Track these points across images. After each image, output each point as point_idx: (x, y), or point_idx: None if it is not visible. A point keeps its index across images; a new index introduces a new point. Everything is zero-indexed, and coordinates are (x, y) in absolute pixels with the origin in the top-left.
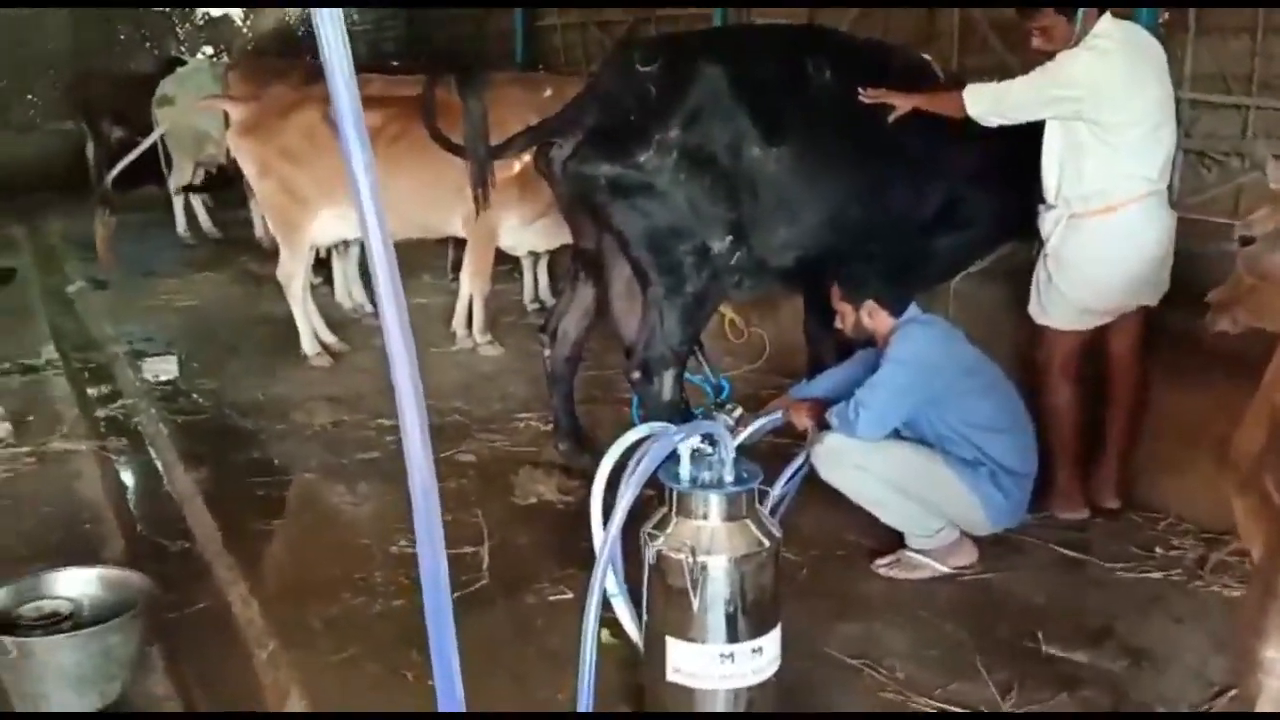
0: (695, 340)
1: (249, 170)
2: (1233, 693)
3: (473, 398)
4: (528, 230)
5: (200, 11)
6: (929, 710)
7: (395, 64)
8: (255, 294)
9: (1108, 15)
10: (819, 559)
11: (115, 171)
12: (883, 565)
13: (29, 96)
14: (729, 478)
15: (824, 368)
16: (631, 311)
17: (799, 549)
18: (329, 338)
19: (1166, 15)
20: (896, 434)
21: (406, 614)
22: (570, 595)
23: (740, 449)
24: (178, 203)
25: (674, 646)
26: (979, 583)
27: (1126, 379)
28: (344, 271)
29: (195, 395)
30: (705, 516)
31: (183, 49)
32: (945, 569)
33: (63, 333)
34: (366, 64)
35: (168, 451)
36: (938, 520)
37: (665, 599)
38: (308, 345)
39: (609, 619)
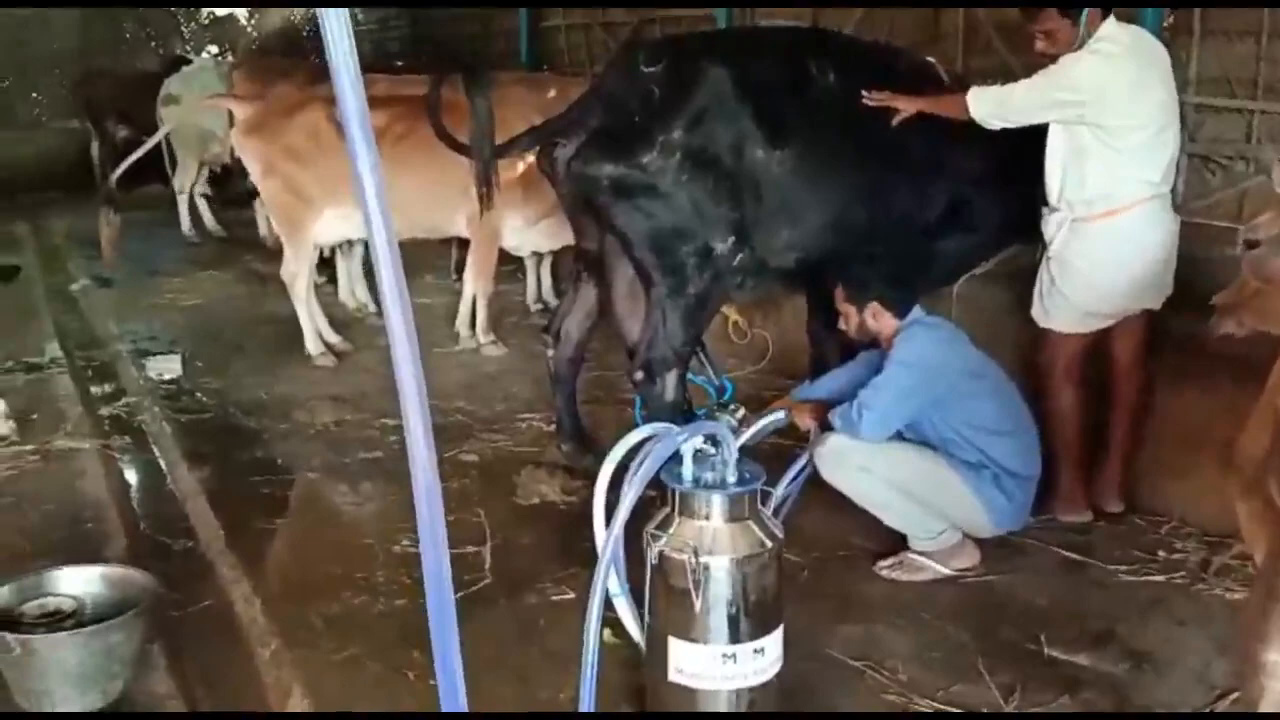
0: (698, 341)
1: (253, 169)
2: (1235, 696)
3: (476, 398)
4: (531, 230)
5: (205, 11)
6: (931, 712)
7: (399, 64)
8: (259, 293)
9: (1111, 18)
10: (821, 560)
11: (120, 170)
12: (885, 567)
13: (34, 95)
14: (731, 478)
15: (827, 369)
16: (634, 312)
17: (801, 550)
18: (333, 337)
19: (1171, 18)
20: (899, 436)
21: (409, 613)
22: (573, 595)
23: (743, 450)
24: (182, 201)
25: (676, 647)
26: (981, 585)
27: (1129, 382)
28: (348, 271)
29: (199, 394)
30: (708, 517)
31: (188, 48)
32: (947, 571)
33: (67, 331)
34: (371, 64)
35: (171, 450)
36: (940, 522)
37: (667, 599)
38: (311, 344)
39: (611, 619)
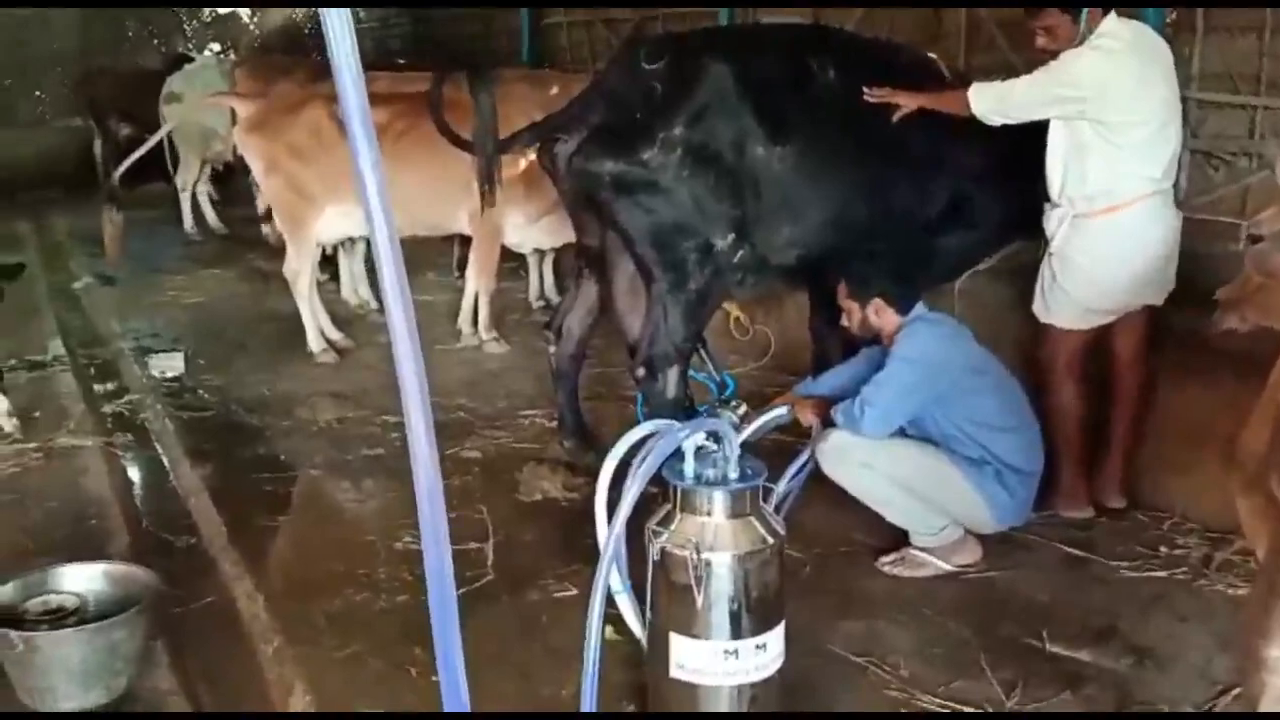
0: (698, 337)
1: (256, 167)
2: (1236, 691)
3: (478, 395)
4: (533, 227)
5: (208, 9)
6: (932, 708)
7: (401, 62)
8: (261, 291)
9: (1113, 14)
10: (823, 556)
11: (123, 168)
12: (887, 563)
13: (37, 93)
14: (733, 474)
15: (829, 365)
16: (635, 309)
17: (803, 546)
18: (335, 334)
19: (1174, 14)
20: (901, 432)
21: (411, 610)
22: (575, 592)
23: (744, 446)
24: (185, 199)
25: (678, 643)
26: (983, 581)
27: (1131, 378)
28: (350, 268)
29: (201, 391)
30: (709, 513)
31: (190, 46)
32: (949, 567)
33: (69, 329)
34: (373, 62)
35: (173, 447)
36: (942, 518)
37: (669, 595)
38: (314, 342)
39: (613, 615)
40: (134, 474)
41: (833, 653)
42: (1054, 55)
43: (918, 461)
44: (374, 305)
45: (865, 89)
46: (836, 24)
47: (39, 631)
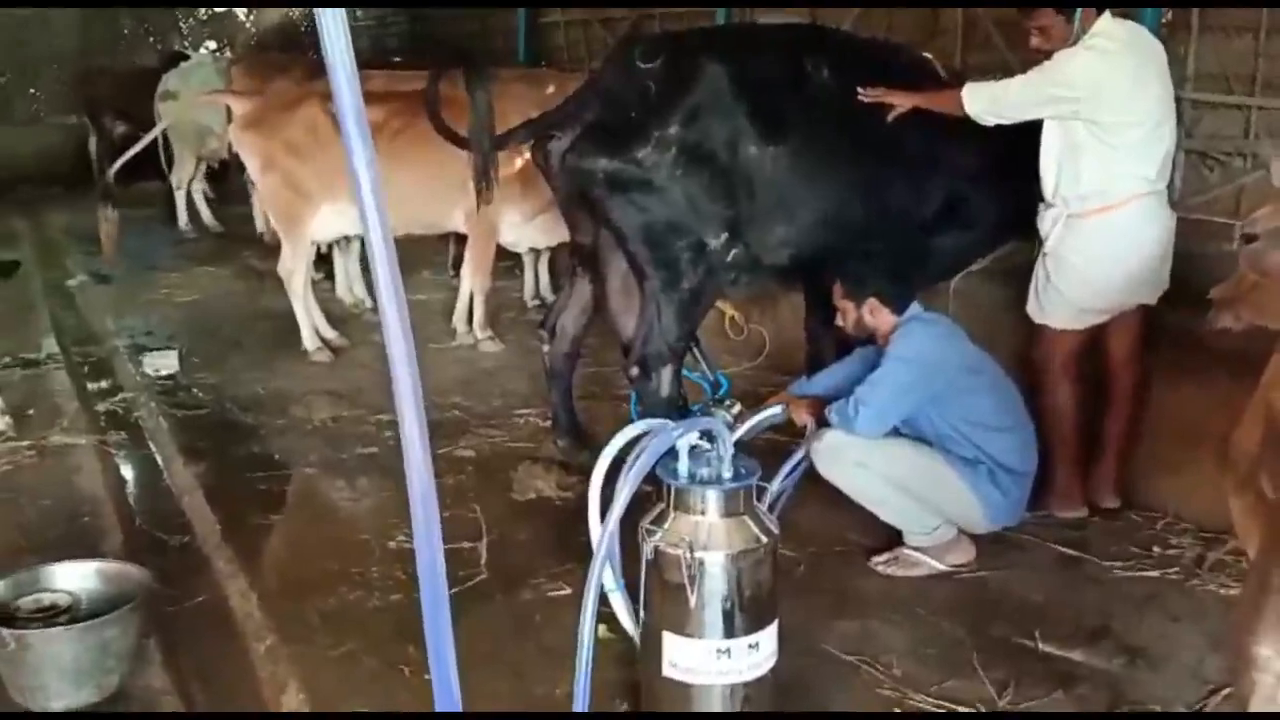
0: (692, 336)
1: (251, 165)
2: (1228, 691)
3: (473, 394)
4: (529, 226)
5: (204, 8)
6: (925, 707)
7: (398, 60)
8: (256, 289)
9: (1107, 14)
10: (817, 555)
11: (117, 165)
12: (880, 562)
13: (32, 91)
14: (727, 474)
15: (824, 365)
16: (628, 308)
17: (797, 545)
18: (330, 333)
19: (1169, 15)
20: (896, 432)
21: (404, 609)
22: (568, 590)
23: (739, 445)
24: (180, 197)
25: (671, 641)
26: (976, 580)
27: (1125, 378)
28: (345, 267)
29: (195, 390)
30: (703, 512)
31: (186, 44)
32: (943, 566)
33: (64, 327)
34: (370, 60)
35: (167, 446)
36: (936, 518)
37: (662, 594)
38: (308, 340)
39: (606, 614)
40: (128, 472)
41: (826, 652)
42: (1048, 55)
43: (912, 461)
44: (369, 304)
45: (860, 89)
46: (834, 23)
47: (31, 629)
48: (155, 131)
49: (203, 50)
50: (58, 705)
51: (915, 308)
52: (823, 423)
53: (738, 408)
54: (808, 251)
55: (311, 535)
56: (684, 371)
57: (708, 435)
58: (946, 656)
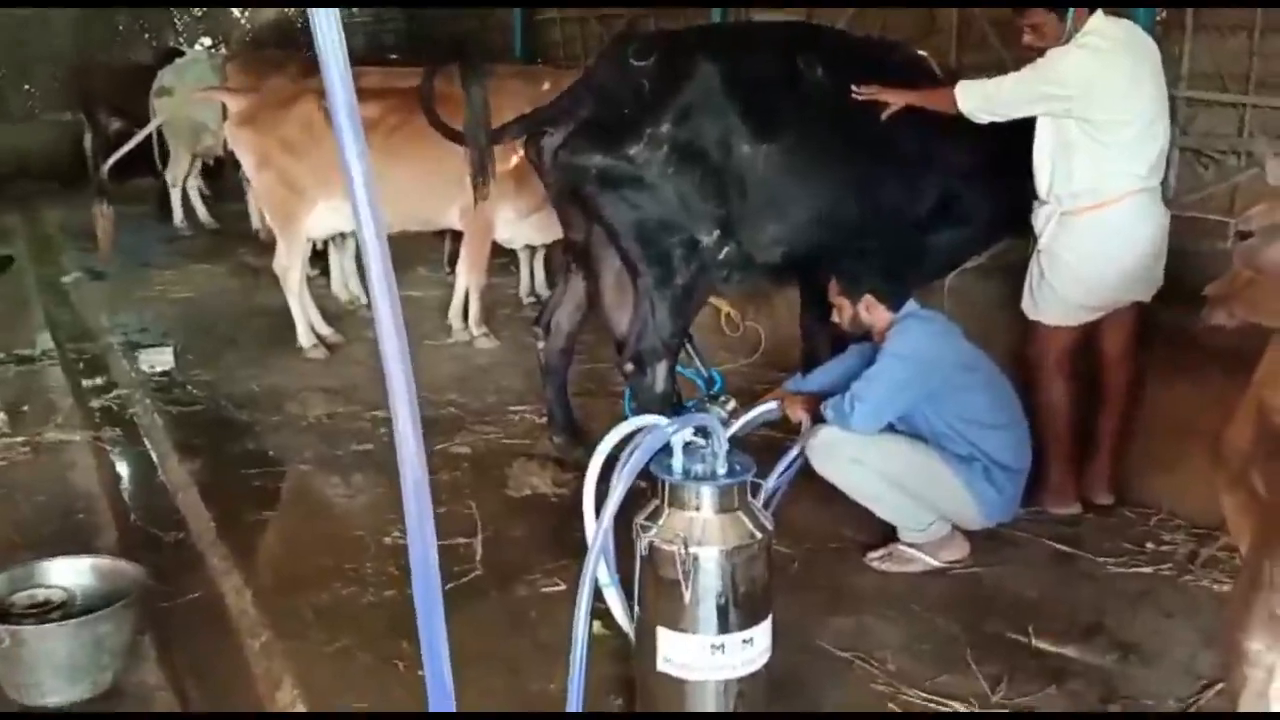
0: (685, 332)
1: (246, 162)
2: (1220, 686)
3: (468, 390)
4: (524, 223)
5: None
6: (919, 703)
7: (394, 57)
8: (251, 286)
9: (1100, 13)
10: (811, 552)
11: (112, 162)
12: (875, 559)
13: (27, 87)
14: (721, 470)
15: (819, 362)
16: (622, 304)
17: (791, 541)
18: (325, 330)
19: (1163, 13)
20: (891, 428)
21: (399, 604)
22: (563, 586)
23: (733, 441)
24: (175, 194)
25: (665, 637)
26: (970, 577)
27: (1119, 375)
28: (340, 264)
29: (190, 386)
30: (697, 508)
31: (181, 40)
32: (937, 563)
33: (58, 323)
34: (366, 57)
35: (162, 442)
36: (931, 514)
37: (657, 590)
38: (304, 337)
39: (601, 610)
40: (122, 469)
41: (820, 648)
42: (1041, 53)
43: (907, 458)
44: (364, 300)
45: (853, 87)
46: (829, 22)
47: (25, 625)
48: (150, 128)
49: (198, 47)
50: (52, 702)
51: (911, 305)
52: (818, 419)
53: (732, 404)
54: (801, 249)
55: (306, 531)
56: (678, 368)
57: (702, 431)
58: (940, 652)
